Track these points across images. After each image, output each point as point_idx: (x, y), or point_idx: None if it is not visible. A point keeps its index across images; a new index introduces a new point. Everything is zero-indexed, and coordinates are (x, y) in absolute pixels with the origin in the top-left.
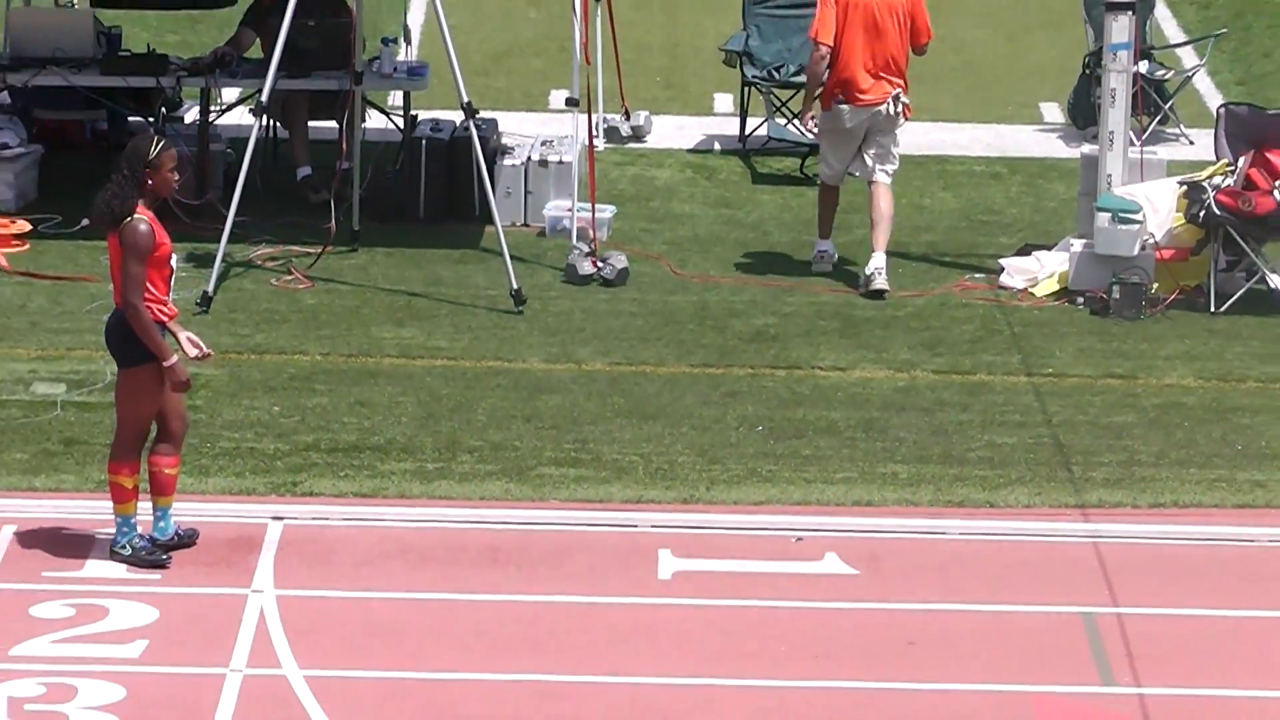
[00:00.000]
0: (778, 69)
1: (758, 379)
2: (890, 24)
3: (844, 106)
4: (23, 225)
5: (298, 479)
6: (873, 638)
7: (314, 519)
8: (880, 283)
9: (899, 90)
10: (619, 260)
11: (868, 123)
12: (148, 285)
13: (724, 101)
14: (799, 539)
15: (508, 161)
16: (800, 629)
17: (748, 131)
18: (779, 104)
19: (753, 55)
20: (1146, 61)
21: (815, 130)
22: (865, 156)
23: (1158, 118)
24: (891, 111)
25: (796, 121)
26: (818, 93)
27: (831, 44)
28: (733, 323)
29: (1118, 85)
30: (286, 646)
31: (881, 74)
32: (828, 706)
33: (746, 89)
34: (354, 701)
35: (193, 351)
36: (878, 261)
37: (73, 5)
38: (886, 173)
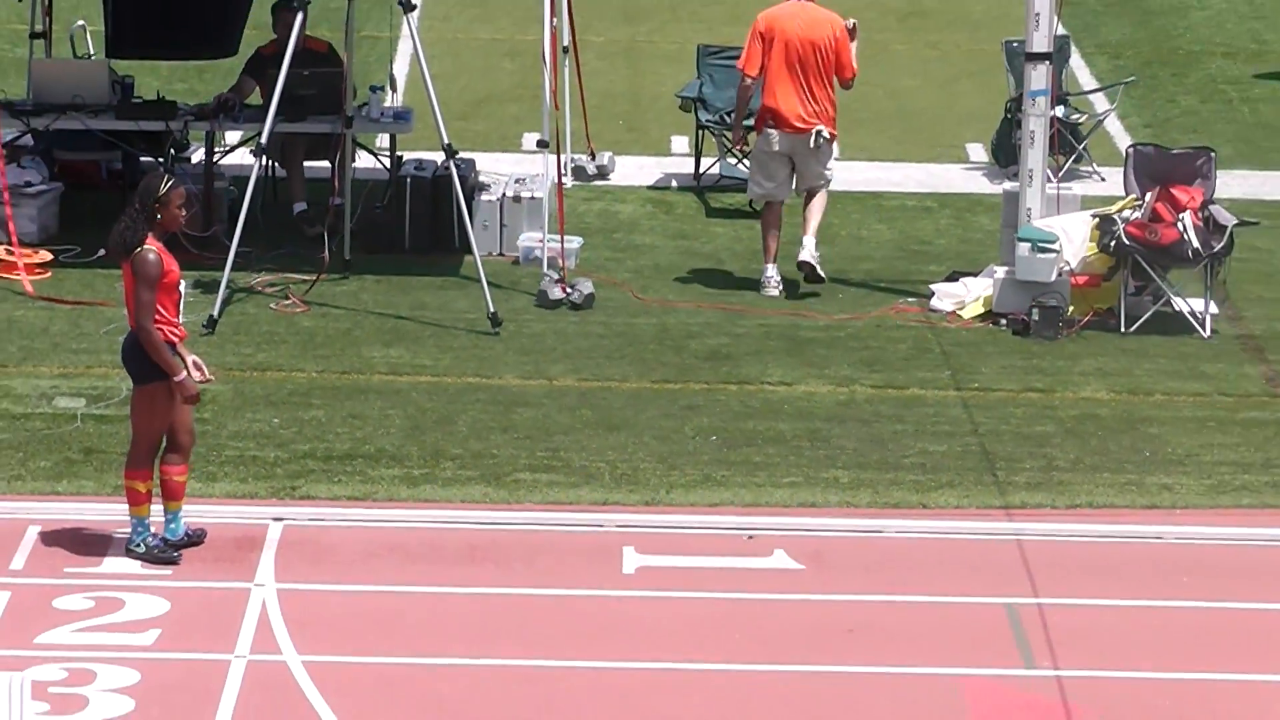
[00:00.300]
0: (729, 114)
1: (712, 393)
2: (813, 59)
3: (773, 131)
4: (45, 255)
5: (296, 484)
6: (817, 626)
7: (311, 520)
8: (806, 256)
9: (821, 125)
10: (586, 286)
11: (795, 149)
12: (159, 309)
13: (680, 143)
14: (750, 537)
15: (485, 197)
16: (751, 619)
17: (702, 170)
18: (730, 145)
19: (706, 101)
20: (1062, 106)
21: (743, 151)
22: (800, 182)
23: (1073, 157)
24: (814, 144)
25: (745, 162)
26: (747, 118)
27: (755, 75)
28: (690, 343)
29: (1036, 128)
30: (286, 635)
31: (806, 103)
32: (776, 688)
33: (700, 132)
34: (347, 684)
35: (196, 375)
36: (808, 240)
37: (90, 57)
38: (820, 185)
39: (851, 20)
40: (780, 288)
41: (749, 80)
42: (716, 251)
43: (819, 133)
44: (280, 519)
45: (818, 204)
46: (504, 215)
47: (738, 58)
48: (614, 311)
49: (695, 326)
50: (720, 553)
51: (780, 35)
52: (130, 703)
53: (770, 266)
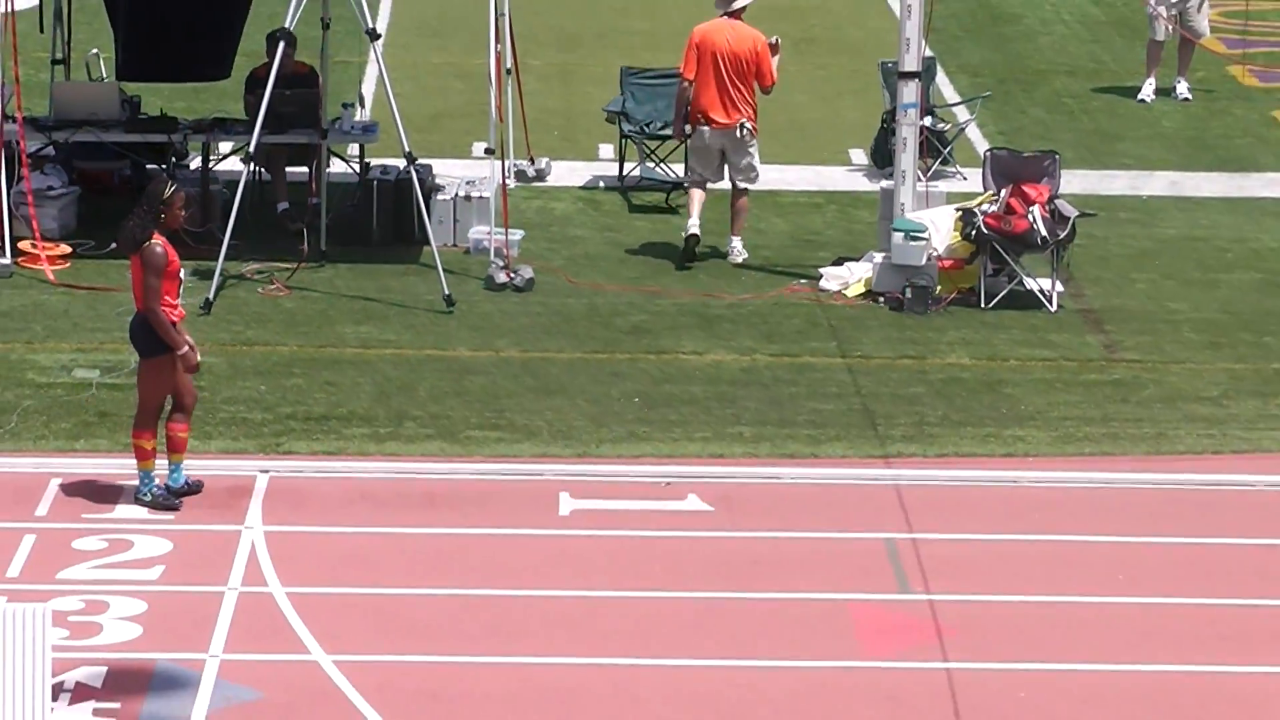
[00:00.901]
0: (648, 125)
1: (635, 362)
2: (736, 68)
3: (704, 128)
4: (65, 249)
5: (280, 441)
6: (725, 559)
7: (293, 472)
8: (735, 259)
9: (744, 119)
10: (527, 272)
11: (723, 142)
12: (163, 294)
13: (607, 150)
14: (668, 483)
15: (440, 197)
16: (669, 553)
17: (625, 173)
18: (649, 151)
19: (628, 115)
20: (930, 117)
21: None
22: (728, 171)
23: (939, 160)
24: (739, 135)
25: (662, 165)
26: (685, 113)
27: (692, 79)
28: (615, 320)
29: (908, 135)
30: (272, 570)
31: (731, 105)
32: (690, 612)
33: (624, 140)
34: (324, 611)
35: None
36: (734, 243)
37: (103, 79)
38: (749, 180)
39: (775, 37)
40: (698, 235)
41: (686, 83)
42: (638, 242)
43: (742, 125)
44: (266, 471)
45: (741, 205)
46: (457, 212)
47: (656, 78)
48: (551, 293)
49: (620, 306)
50: (642, 497)
51: (710, 47)
52: (139, 629)
53: (692, 220)
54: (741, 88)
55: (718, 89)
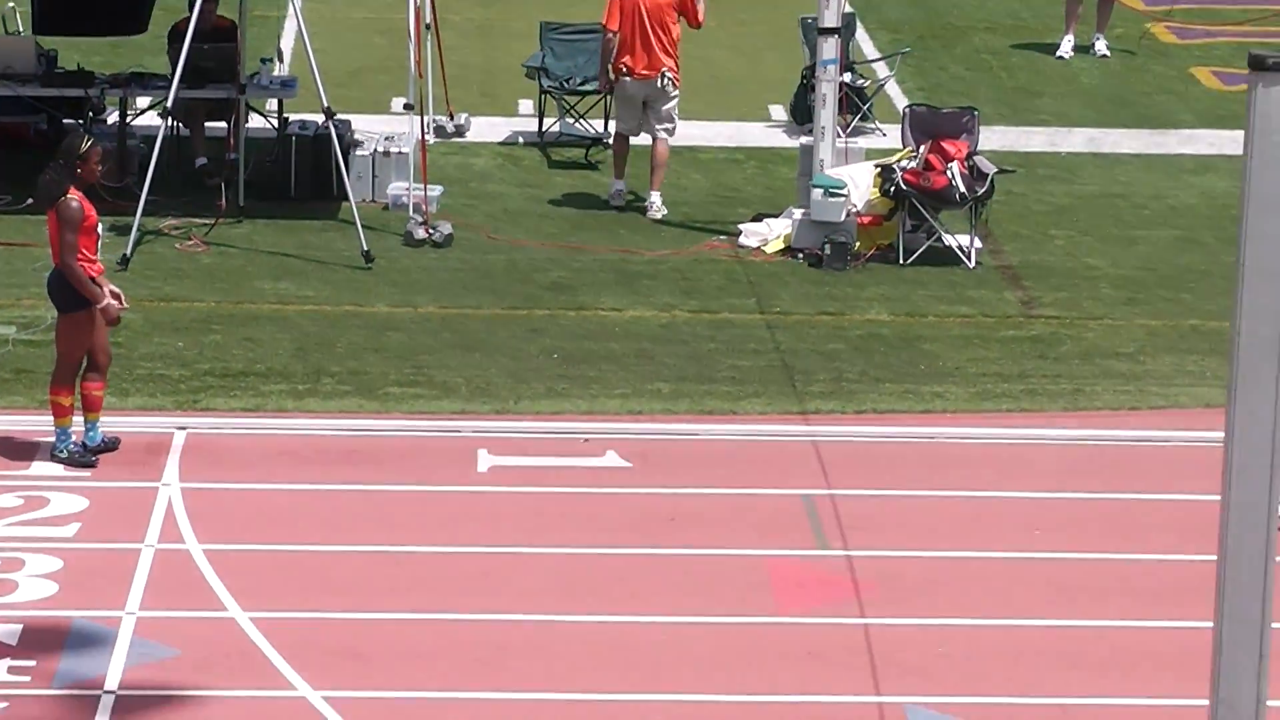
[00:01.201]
0: (567, 80)
1: (554, 318)
2: (658, 19)
3: (627, 79)
4: None
5: (198, 398)
6: (642, 515)
7: (210, 429)
8: (654, 214)
9: (665, 69)
10: (446, 228)
11: (646, 92)
12: (80, 249)
13: (526, 106)
14: (586, 440)
15: (359, 152)
16: (588, 509)
17: (544, 128)
18: (568, 107)
19: (548, 70)
20: (849, 73)
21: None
22: (649, 119)
23: (858, 116)
24: (661, 85)
25: (582, 121)
26: (609, 65)
27: (616, 30)
28: (535, 275)
29: (828, 91)
30: (189, 527)
31: (653, 55)
32: (608, 568)
33: (543, 96)
34: (241, 568)
35: (115, 304)
36: (654, 198)
37: (19, 34)
38: (667, 130)
39: None
40: (623, 199)
41: (609, 34)
42: (557, 198)
43: (664, 74)
44: (184, 428)
45: (661, 156)
46: (375, 167)
47: (575, 33)
48: (470, 249)
49: (540, 261)
50: (561, 454)
51: (632, 0)
52: (54, 586)
53: (619, 182)
54: (663, 38)
55: (640, 40)
